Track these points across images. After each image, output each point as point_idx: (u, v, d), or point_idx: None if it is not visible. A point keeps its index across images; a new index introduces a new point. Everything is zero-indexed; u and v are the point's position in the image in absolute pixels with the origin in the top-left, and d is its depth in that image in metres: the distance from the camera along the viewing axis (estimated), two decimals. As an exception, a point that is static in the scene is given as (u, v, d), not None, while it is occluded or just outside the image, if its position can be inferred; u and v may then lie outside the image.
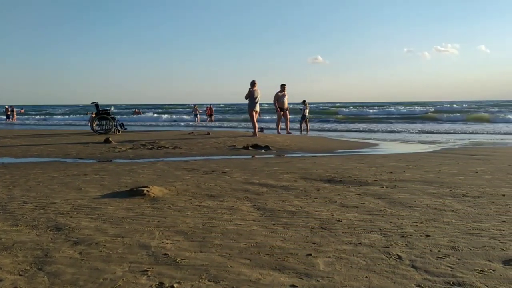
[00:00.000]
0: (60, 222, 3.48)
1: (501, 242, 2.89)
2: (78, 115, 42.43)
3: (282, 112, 14.59)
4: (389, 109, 41.39)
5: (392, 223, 3.39)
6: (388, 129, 19.21)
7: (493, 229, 3.19)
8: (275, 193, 4.68)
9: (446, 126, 21.07)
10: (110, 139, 11.52)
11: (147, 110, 52.59)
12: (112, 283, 2.27)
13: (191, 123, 29.28)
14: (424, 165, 6.77)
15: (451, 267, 2.46)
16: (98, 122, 14.80)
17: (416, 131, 17.89)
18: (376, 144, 11.84)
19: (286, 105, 14.60)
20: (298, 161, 7.64)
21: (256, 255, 2.70)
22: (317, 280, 2.30)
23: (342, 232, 3.17)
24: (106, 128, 14.65)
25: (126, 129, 15.67)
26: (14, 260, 2.62)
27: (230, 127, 23.23)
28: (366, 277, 2.34)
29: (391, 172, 6.03)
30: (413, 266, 2.49)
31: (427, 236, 3.06)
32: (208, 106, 33.57)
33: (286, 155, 9.09)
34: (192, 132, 14.62)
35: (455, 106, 42.62)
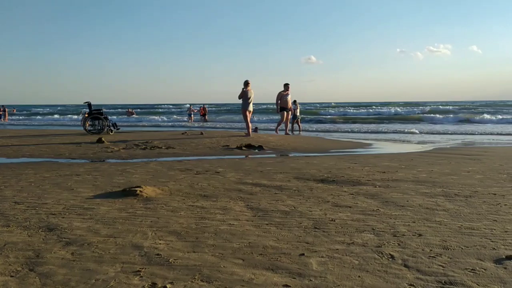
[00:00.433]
0: (52, 223, 3.45)
1: (492, 241, 2.91)
2: (66, 116, 42.10)
3: (285, 112, 14.40)
4: (380, 109, 41.55)
5: (384, 223, 3.41)
6: (371, 130, 19.30)
7: (485, 228, 3.22)
8: (269, 193, 4.68)
9: (437, 127, 21.19)
10: (103, 139, 11.46)
11: (139, 110, 52.37)
12: (105, 284, 2.26)
13: (184, 123, 29.22)
14: (416, 165, 6.81)
15: (443, 266, 2.48)
16: (91, 122, 14.72)
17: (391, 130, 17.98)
18: (370, 144, 11.89)
19: (289, 105, 14.43)
20: (292, 161, 7.65)
21: (249, 255, 2.70)
22: (310, 280, 2.30)
23: (335, 232, 3.17)
24: (99, 128, 14.58)
25: (119, 129, 15.60)
26: (5, 261, 2.60)
27: (223, 127, 23.20)
28: (359, 276, 2.35)
29: (384, 172, 6.06)
30: (405, 265, 2.50)
31: (419, 235, 3.07)
32: (202, 106, 33.52)
33: (279, 155, 9.10)
34: (186, 132, 14.59)
35: (450, 107, 42.84)
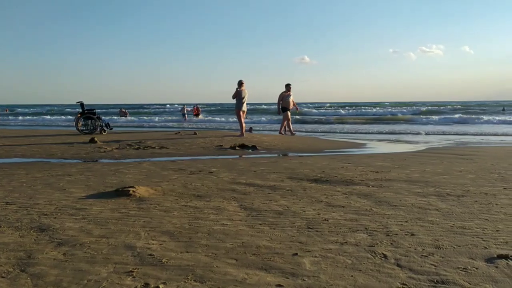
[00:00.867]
0: (43, 223, 3.43)
1: (484, 241, 2.93)
2: (59, 116, 41.75)
3: (287, 113, 14.19)
4: (376, 110, 41.69)
5: (377, 222, 3.42)
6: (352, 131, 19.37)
7: (476, 228, 3.24)
8: (262, 193, 4.68)
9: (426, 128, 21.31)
10: (96, 139, 11.40)
11: (132, 110, 52.09)
12: (97, 285, 2.24)
13: (178, 123, 29.14)
14: (409, 165, 6.85)
15: (435, 265, 2.49)
16: (84, 122, 14.63)
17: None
18: (363, 144, 11.93)
19: (291, 105, 14.25)
20: (285, 161, 7.66)
21: (243, 255, 2.70)
22: (303, 280, 2.30)
23: (328, 232, 3.18)
24: (92, 128, 14.49)
25: (112, 129, 15.52)
26: (-4, 262, 2.58)
27: (216, 128, 23.17)
28: (352, 276, 2.35)
29: (377, 172, 6.08)
30: (398, 265, 2.51)
31: (412, 235, 3.09)
32: (195, 106, 33.47)
33: (273, 155, 9.10)
34: (179, 132, 14.55)
35: (443, 108, 43.11)
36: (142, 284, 2.25)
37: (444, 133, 16.60)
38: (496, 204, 4.02)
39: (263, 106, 53.11)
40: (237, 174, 5.99)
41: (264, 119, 29.47)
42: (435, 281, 2.28)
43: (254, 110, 43.51)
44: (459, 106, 47.25)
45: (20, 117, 40.08)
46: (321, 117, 31.87)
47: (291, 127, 14.78)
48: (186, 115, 32.41)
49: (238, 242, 2.95)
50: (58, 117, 39.78)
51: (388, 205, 4.03)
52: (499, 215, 3.62)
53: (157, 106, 74.82)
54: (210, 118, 31.71)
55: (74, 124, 16.62)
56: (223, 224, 3.41)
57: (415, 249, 2.78)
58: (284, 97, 14.09)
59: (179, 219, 3.55)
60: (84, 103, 14.79)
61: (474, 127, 20.53)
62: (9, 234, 3.14)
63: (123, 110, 40.71)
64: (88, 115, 14.57)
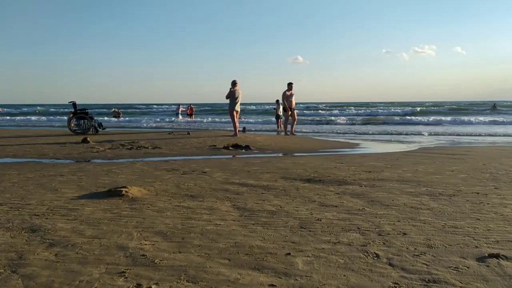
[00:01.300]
0: (35, 224, 3.40)
1: (475, 240, 2.96)
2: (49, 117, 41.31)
3: (290, 112, 14.22)
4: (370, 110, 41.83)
5: (370, 222, 3.44)
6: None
7: (468, 227, 3.27)
8: (255, 192, 4.68)
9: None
10: (88, 139, 11.33)
11: (126, 110, 51.81)
12: (89, 285, 2.23)
13: (172, 122, 29.04)
14: (402, 165, 6.88)
15: (427, 265, 2.51)
16: (76, 122, 14.54)
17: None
18: (356, 144, 11.97)
19: (293, 105, 14.25)
20: (278, 161, 7.66)
21: (235, 255, 2.70)
22: (296, 279, 2.31)
23: (321, 231, 3.19)
24: (84, 127, 14.41)
25: (105, 129, 15.44)
26: (-14, 263, 2.55)
27: (208, 128, 23.13)
28: (344, 275, 2.36)
29: (370, 172, 6.11)
30: (390, 264, 2.52)
31: (404, 234, 3.10)
32: (189, 105, 33.39)
33: (266, 154, 9.11)
34: (172, 132, 14.52)
35: (436, 108, 43.36)
36: (135, 284, 2.25)
37: (436, 133, 16.69)
38: (487, 203, 4.06)
39: (253, 107, 53.12)
40: (231, 174, 5.99)
41: (251, 119, 29.45)
42: (426, 280, 2.29)
43: (253, 110, 43.49)
44: (451, 106, 47.54)
45: (7, 117, 39.65)
46: (315, 117, 31.94)
47: (293, 127, 14.86)
48: (180, 114, 32.32)
49: (231, 242, 2.95)
50: (38, 118, 39.00)
51: (380, 204, 4.05)
52: (490, 214, 3.65)
53: (151, 105, 74.51)
54: (209, 118, 31.63)
55: (66, 124, 16.50)
56: (216, 224, 3.40)
57: (407, 248, 2.80)
58: (287, 96, 14.10)
59: (172, 219, 3.54)
60: (76, 102, 14.69)
61: (466, 127, 20.69)
62: (0, 235, 3.11)
63: (116, 110, 40.49)
64: (80, 115, 14.49)
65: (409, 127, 21.09)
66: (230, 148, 10.08)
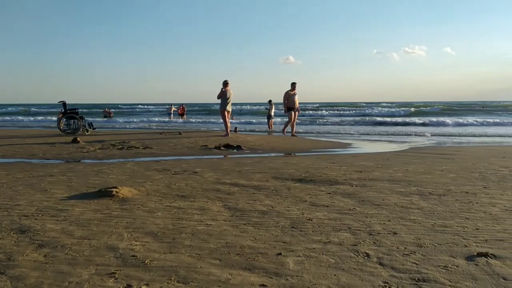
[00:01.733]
0: (24, 225, 3.37)
1: (464, 239, 2.99)
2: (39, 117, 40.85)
3: (292, 112, 13.87)
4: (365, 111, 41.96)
5: (360, 222, 3.45)
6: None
7: (457, 226, 3.30)
8: (246, 192, 4.68)
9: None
10: (78, 139, 11.24)
11: (116, 110, 51.47)
12: (78, 287, 2.21)
13: (163, 123, 28.92)
14: (392, 164, 6.92)
15: (416, 264, 2.52)
16: (66, 122, 14.41)
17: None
18: (348, 144, 12.02)
19: (296, 105, 13.93)
20: (270, 161, 7.67)
21: (226, 255, 2.69)
22: (287, 279, 2.31)
23: (312, 231, 3.20)
24: (74, 127, 14.27)
25: (95, 128, 15.33)
26: (-26, 264, 2.52)
27: (199, 128, 23.08)
28: (335, 275, 2.37)
29: (361, 171, 6.14)
30: (380, 263, 2.54)
31: (394, 233, 3.12)
32: (181, 105, 33.28)
33: (257, 154, 9.11)
34: (164, 132, 14.46)
35: (429, 108, 43.64)
36: (125, 285, 2.23)
37: (426, 133, 16.82)
38: (476, 203, 4.10)
39: (248, 107, 53.10)
40: (222, 174, 5.98)
41: (241, 119, 29.43)
42: (416, 279, 2.31)
43: (249, 111, 43.39)
44: (441, 106, 47.89)
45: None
46: (307, 118, 32.00)
47: (294, 128, 14.40)
48: (172, 114, 32.19)
49: (222, 242, 2.94)
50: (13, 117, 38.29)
51: (371, 204, 4.07)
52: (479, 213, 3.68)
53: (142, 105, 74.11)
54: (198, 119, 31.52)
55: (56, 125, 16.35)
56: (207, 224, 3.40)
57: (397, 247, 2.81)
58: (289, 96, 13.82)
59: (162, 220, 3.52)
60: (66, 102, 14.56)
61: (455, 128, 20.89)
62: (-12, 236, 3.08)
63: (107, 109, 40.21)
64: (70, 114, 14.36)
65: (400, 128, 21.24)
66: (222, 148, 10.07)
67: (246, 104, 67.06)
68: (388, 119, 27.50)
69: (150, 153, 9.17)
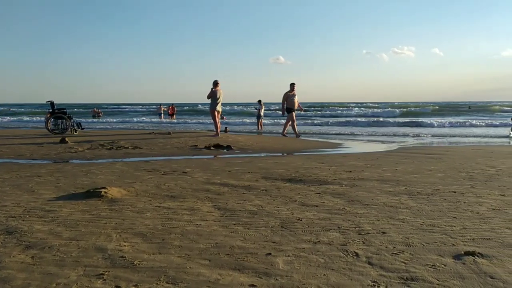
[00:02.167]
0: (11, 226, 3.33)
1: (452, 238, 3.02)
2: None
3: (293, 113, 13.81)
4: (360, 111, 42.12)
5: (350, 221, 3.47)
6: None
7: (445, 225, 3.33)
8: (236, 193, 4.68)
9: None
10: (67, 139, 11.13)
11: (105, 110, 51.06)
12: (66, 288, 2.19)
13: (153, 123, 28.76)
14: (381, 164, 6.97)
15: (405, 263, 2.54)
16: (54, 122, 14.26)
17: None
18: (339, 144, 12.08)
19: (296, 106, 13.89)
20: (260, 161, 7.67)
21: (216, 255, 2.69)
22: (276, 279, 2.31)
23: (302, 231, 3.20)
24: (63, 127, 14.13)
25: (83, 128, 15.20)
26: (-41, 266, 2.48)
27: (188, 128, 23.01)
28: (324, 274, 2.38)
29: (350, 171, 6.17)
30: (369, 263, 2.55)
31: (383, 233, 3.14)
32: (171, 105, 33.15)
33: (248, 154, 9.11)
34: (153, 132, 14.38)
35: (422, 109, 44.00)
36: (113, 286, 2.22)
37: (416, 134, 16.96)
38: (464, 202, 4.14)
39: (239, 107, 53.03)
40: (212, 174, 5.97)
41: (232, 119, 29.40)
42: (405, 278, 2.33)
43: (241, 112, 43.26)
44: (430, 106, 48.32)
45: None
46: (297, 118, 32.00)
47: (296, 128, 14.31)
48: (162, 114, 32.05)
49: (212, 242, 2.94)
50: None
51: (360, 204, 4.10)
52: (467, 213, 3.72)
53: (131, 105, 73.64)
54: (188, 119, 31.40)
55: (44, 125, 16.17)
56: (197, 224, 3.39)
57: (386, 247, 2.83)
58: (288, 97, 13.73)
59: (152, 220, 3.50)
60: (54, 102, 14.41)
61: (444, 128, 21.12)
62: (-26, 238, 3.03)
63: (95, 109, 39.88)
64: (58, 114, 14.21)
65: (389, 128, 21.40)
66: (212, 148, 10.04)
67: (236, 104, 66.98)
68: (377, 119, 27.70)
69: (140, 153, 9.12)
